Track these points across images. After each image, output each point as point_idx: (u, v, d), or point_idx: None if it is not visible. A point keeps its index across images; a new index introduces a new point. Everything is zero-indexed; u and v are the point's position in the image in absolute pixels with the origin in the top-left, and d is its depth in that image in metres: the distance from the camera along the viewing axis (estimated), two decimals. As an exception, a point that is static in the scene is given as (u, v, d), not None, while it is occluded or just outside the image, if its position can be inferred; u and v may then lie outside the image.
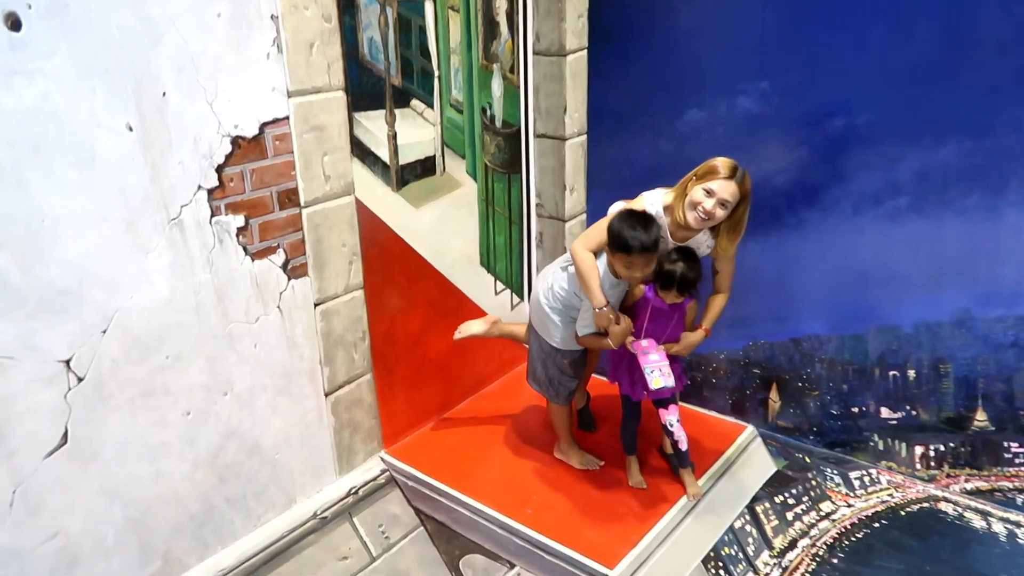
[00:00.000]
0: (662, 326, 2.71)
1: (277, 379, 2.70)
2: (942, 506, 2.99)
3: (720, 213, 2.43)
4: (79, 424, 2.16)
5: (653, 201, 2.56)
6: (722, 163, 2.42)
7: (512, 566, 2.89)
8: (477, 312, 3.55)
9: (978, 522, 2.91)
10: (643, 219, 2.49)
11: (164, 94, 2.15)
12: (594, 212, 3.65)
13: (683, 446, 2.82)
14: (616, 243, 2.48)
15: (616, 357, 2.84)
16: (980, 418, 2.91)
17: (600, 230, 2.58)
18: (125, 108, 2.08)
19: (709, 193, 2.41)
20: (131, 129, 2.10)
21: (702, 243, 2.61)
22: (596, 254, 2.59)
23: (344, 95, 2.64)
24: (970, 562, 2.79)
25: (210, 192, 2.33)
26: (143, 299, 2.24)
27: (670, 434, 2.82)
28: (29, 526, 2.12)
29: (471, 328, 3.19)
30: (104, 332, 2.16)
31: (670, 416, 2.78)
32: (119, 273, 2.16)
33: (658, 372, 2.61)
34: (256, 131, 2.41)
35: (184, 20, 2.14)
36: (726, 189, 2.40)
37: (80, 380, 2.13)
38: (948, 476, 3.02)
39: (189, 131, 2.24)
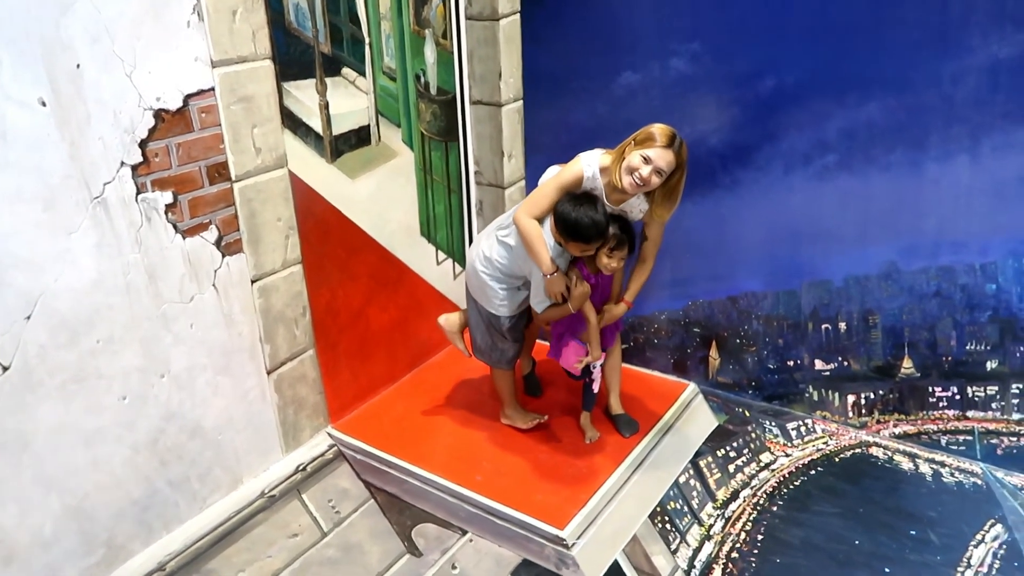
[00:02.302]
0: (593, 297, 2.75)
1: (216, 359, 2.64)
2: (873, 451, 3.14)
3: (655, 180, 2.45)
4: (7, 414, 2.07)
5: (590, 162, 2.56)
6: (660, 131, 2.43)
7: (464, 533, 2.92)
8: (420, 283, 3.53)
9: (906, 464, 3.06)
10: (593, 204, 2.51)
11: (78, 66, 2.05)
12: (533, 178, 3.64)
13: (595, 388, 2.97)
14: (572, 233, 2.50)
15: (556, 334, 2.87)
16: (906, 365, 3.04)
17: (542, 196, 2.57)
18: (36, 81, 1.97)
19: (646, 160, 2.42)
20: (44, 104, 1.99)
21: (635, 207, 2.63)
22: (539, 220, 2.59)
23: (272, 64, 2.56)
24: (900, 501, 2.94)
25: (134, 168, 2.24)
26: (69, 281, 2.15)
27: (589, 374, 2.95)
28: (-41, 522, 2.04)
29: (459, 341, 3.14)
30: (28, 318, 2.07)
31: (598, 361, 2.92)
32: (41, 255, 2.07)
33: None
34: (180, 103, 2.32)
35: (95, -14, 2.04)
36: (663, 158, 2.42)
37: (5, 369, 2.05)
38: (878, 422, 3.16)
39: (108, 104, 2.14)
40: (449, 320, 3.13)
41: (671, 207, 2.58)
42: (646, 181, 2.44)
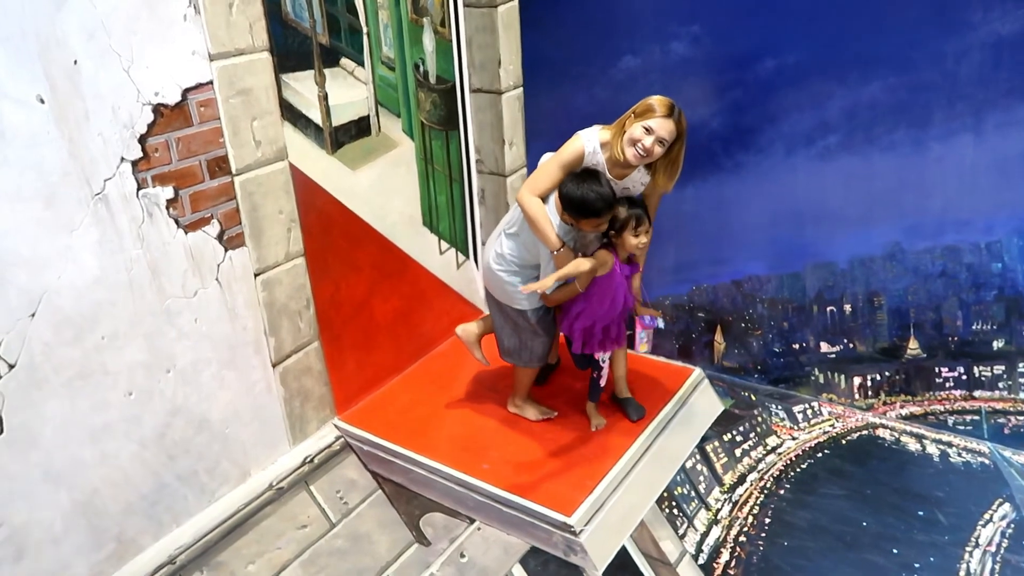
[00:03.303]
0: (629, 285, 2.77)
1: (221, 352, 2.64)
2: (880, 432, 3.13)
3: (658, 150, 2.46)
4: (14, 411, 2.08)
5: (590, 137, 2.56)
6: (659, 101, 2.44)
7: (472, 521, 2.93)
8: (424, 273, 3.52)
9: (913, 445, 3.06)
10: (595, 178, 2.51)
11: (75, 62, 2.04)
12: (534, 166, 3.60)
13: (602, 383, 2.97)
14: (582, 210, 2.50)
15: (574, 312, 2.87)
16: (912, 346, 3.03)
17: (543, 175, 2.58)
18: (33, 78, 1.96)
19: (648, 130, 2.43)
20: (42, 101, 1.99)
21: (636, 180, 2.63)
22: (543, 200, 2.59)
23: (269, 56, 2.55)
24: (907, 482, 2.94)
25: (134, 164, 2.24)
26: (71, 278, 2.15)
27: (599, 368, 2.94)
28: (-30, 519, 2.05)
29: (477, 351, 3.15)
30: (32, 315, 2.07)
31: (604, 353, 2.92)
32: (43, 253, 2.07)
33: (646, 338, 2.84)
34: (179, 98, 2.31)
35: (90, -19, 2.03)
36: (664, 127, 2.43)
37: (11, 367, 2.05)
38: (884, 404, 3.15)
39: (106, 100, 2.13)
40: (467, 330, 3.12)
41: (673, 177, 2.59)
42: (649, 151, 2.45)
